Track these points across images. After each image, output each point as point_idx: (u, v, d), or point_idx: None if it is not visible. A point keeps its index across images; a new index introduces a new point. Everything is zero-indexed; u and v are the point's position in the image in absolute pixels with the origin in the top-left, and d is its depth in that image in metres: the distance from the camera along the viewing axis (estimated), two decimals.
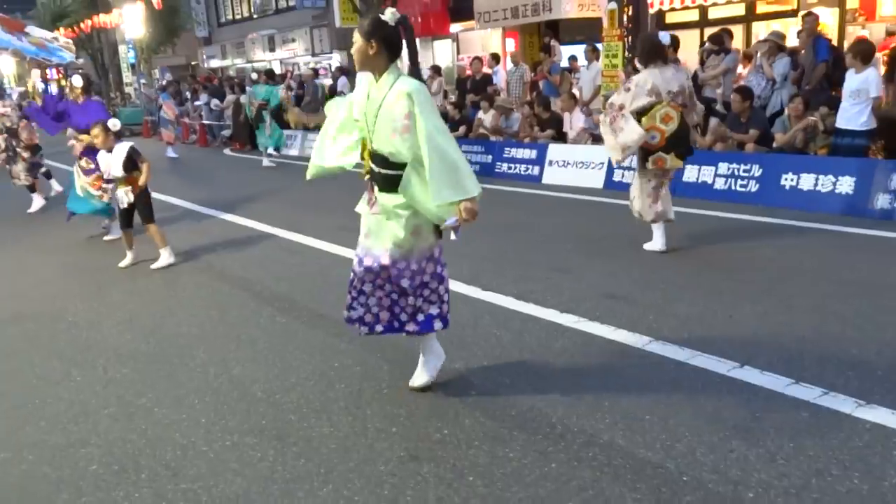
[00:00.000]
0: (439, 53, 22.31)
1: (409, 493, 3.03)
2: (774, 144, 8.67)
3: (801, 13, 12.99)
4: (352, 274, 3.82)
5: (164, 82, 24.26)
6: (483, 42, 20.24)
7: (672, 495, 2.88)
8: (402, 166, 3.53)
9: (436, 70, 15.71)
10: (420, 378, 3.96)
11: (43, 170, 11.55)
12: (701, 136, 9.09)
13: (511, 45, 18.54)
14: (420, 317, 3.82)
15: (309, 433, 3.59)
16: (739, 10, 14.35)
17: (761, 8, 14.25)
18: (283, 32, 28.98)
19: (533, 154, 11.01)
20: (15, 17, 42.47)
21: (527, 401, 3.76)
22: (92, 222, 8.93)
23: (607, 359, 4.26)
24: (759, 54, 9.58)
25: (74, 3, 36.81)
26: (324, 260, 7.02)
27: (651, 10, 13.60)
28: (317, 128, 4.28)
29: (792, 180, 7.95)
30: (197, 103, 21.98)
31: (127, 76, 35.47)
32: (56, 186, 12.08)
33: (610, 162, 9.84)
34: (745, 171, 8.33)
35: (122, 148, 6.97)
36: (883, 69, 8.63)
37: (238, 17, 33.11)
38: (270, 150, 15.16)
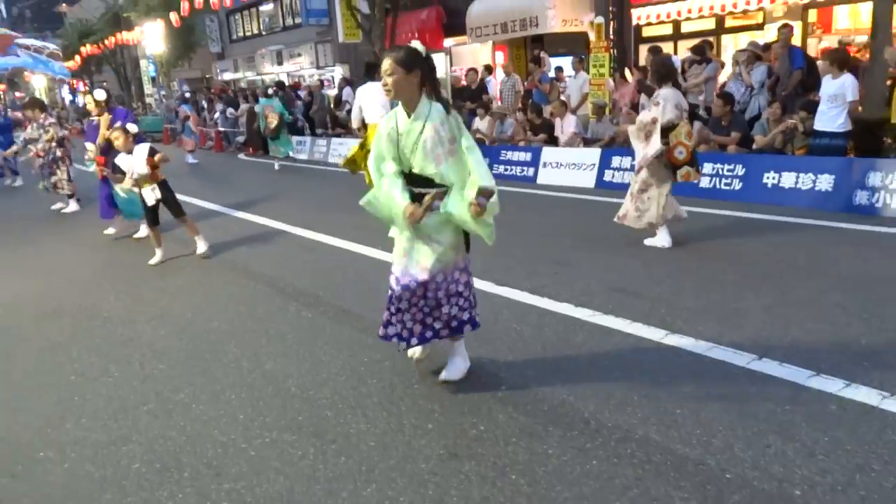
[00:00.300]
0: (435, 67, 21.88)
1: (453, 492, 2.73)
2: (754, 146, 8.40)
3: (778, 25, 12.81)
4: (389, 292, 3.49)
5: (188, 94, 23.73)
6: (473, 55, 19.87)
7: (718, 493, 2.59)
8: (443, 188, 3.33)
9: None
10: (449, 374, 3.68)
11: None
12: None
13: (500, 57, 18.18)
14: (454, 323, 3.57)
15: (346, 430, 3.27)
16: (710, 24, 14.10)
17: (729, 22, 14.02)
18: (290, 47, 28.49)
19: (528, 157, 10.69)
20: (44, 35, 41.76)
21: (557, 395, 3.45)
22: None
23: (628, 352, 3.95)
24: (738, 63, 9.29)
25: (100, 22, 36.24)
26: (341, 256, 6.69)
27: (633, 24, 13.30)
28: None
29: (774, 178, 7.68)
30: (216, 115, 21.54)
31: (147, 88, 34.88)
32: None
33: (601, 162, 9.58)
34: (728, 170, 8.05)
35: (142, 148, 6.66)
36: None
37: (248, 33, 32.53)
38: (290, 154, 14.95)
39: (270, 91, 15.74)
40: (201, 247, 7.06)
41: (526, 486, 2.73)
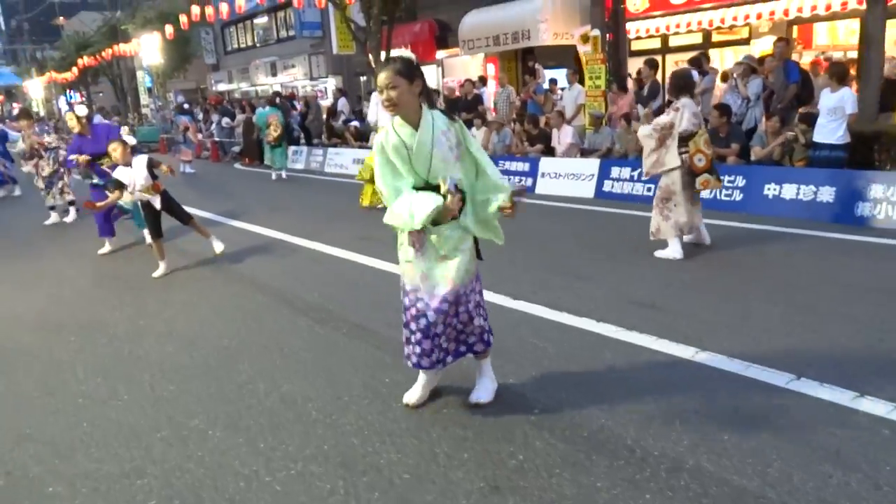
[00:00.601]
0: (426, 78, 21.68)
1: None
2: (752, 157, 8.20)
3: (763, 40, 12.72)
4: (424, 321, 3.14)
5: (187, 105, 23.28)
6: (464, 67, 19.65)
7: None
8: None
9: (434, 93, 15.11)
10: (479, 396, 3.40)
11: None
12: None
13: (491, 69, 17.97)
14: (486, 336, 3.31)
15: (376, 460, 2.97)
16: (697, 38, 13.98)
17: (716, 37, 13.91)
18: (283, 59, 28.15)
19: (526, 167, 10.42)
20: (42, 47, 41.08)
21: (594, 419, 3.17)
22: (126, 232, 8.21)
23: (660, 370, 3.68)
24: (734, 75, 9.10)
25: (97, 35, 35.69)
26: (347, 268, 6.38)
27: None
28: None
29: (775, 190, 7.46)
30: (213, 127, 21.12)
31: (144, 99, 34.33)
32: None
33: (600, 173, 9.34)
34: (729, 181, 7.82)
35: (141, 160, 6.37)
36: None
37: (243, 45, 32.15)
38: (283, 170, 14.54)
39: (278, 101, 15.43)
40: (217, 246, 6.90)
41: None
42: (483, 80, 14.76)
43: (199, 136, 21.17)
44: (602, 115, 10.63)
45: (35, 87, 49.18)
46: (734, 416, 3.13)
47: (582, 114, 11.36)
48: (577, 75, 11.90)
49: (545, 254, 6.43)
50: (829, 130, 7.25)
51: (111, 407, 3.72)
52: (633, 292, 5.05)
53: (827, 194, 7.07)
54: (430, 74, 21.71)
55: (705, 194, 7.75)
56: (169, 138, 23.09)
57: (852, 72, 8.81)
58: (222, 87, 33.49)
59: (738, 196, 7.78)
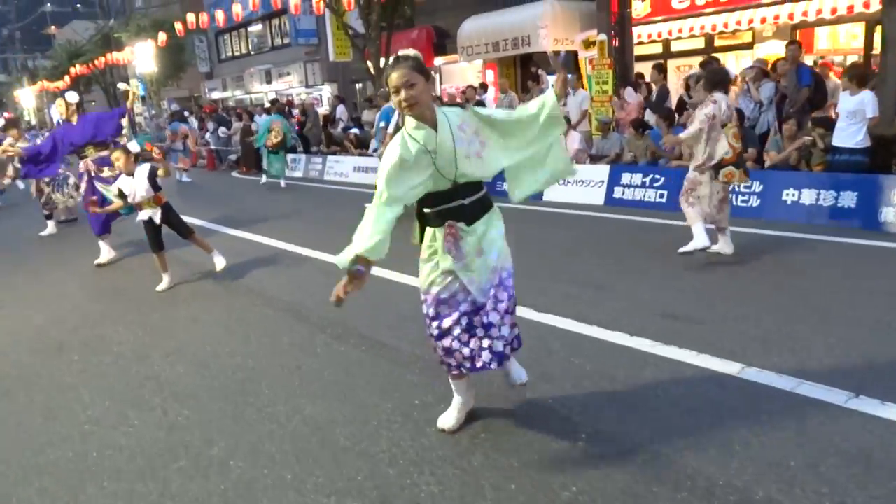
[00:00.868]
0: None
1: None
2: (768, 162, 8.01)
3: (766, 44, 12.59)
4: (466, 320, 2.94)
5: (185, 113, 22.99)
6: (462, 73, 19.48)
7: None
8: (482, 186, 2.96)
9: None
10: (520, 376, 3.32)
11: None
12: None
13: (490, 75, 17.80)
14: (516, 330, 3.12)
15: (416, 494, 2.73)
16: (700, 43, 13.83)
17: (719, 42, 13.77)
18: (278, 67, 27.89)
19: None
20: (34, 56, 40.71)
21: (645, 444, 2.95)
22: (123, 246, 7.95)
23: (707, 390, 3.45)
24: (746, 79, 8.92)
25: (89, 44, 35.39)
26: None
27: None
28: None
29: (794, 195, 7.28)
30: (208, 135, 20.85)
31: (137, 107, 33.97)
32: None
33: (610, 179, 9.14)
34: (745, 187, 7.62)
35: (143, 170, 6.12)
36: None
37: (237, 53, 31.90)
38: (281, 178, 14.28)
39: (287, 109, 15.21)
40: (219, 262, 6.52)
41: None
42: (484, 87, 14.57)
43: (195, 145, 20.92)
44: (610, 120, 10.44)
45: (27, 96, 48.76)
46: (796, 438, 2.91)
47: (587, 119, 11.18)
48: (580, 81, 11.74)
49: (561, 262, 6.21)
50: (849, 134, 7.08)
51: (122, 434, 3.47)
52: (662, 303, 4.82)
53: (849, 199, 6.88)
54: None
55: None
56: (168, 147, 22.80)
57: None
58: (216, 95, 33.21)
59: (755, 202, 7.58)
